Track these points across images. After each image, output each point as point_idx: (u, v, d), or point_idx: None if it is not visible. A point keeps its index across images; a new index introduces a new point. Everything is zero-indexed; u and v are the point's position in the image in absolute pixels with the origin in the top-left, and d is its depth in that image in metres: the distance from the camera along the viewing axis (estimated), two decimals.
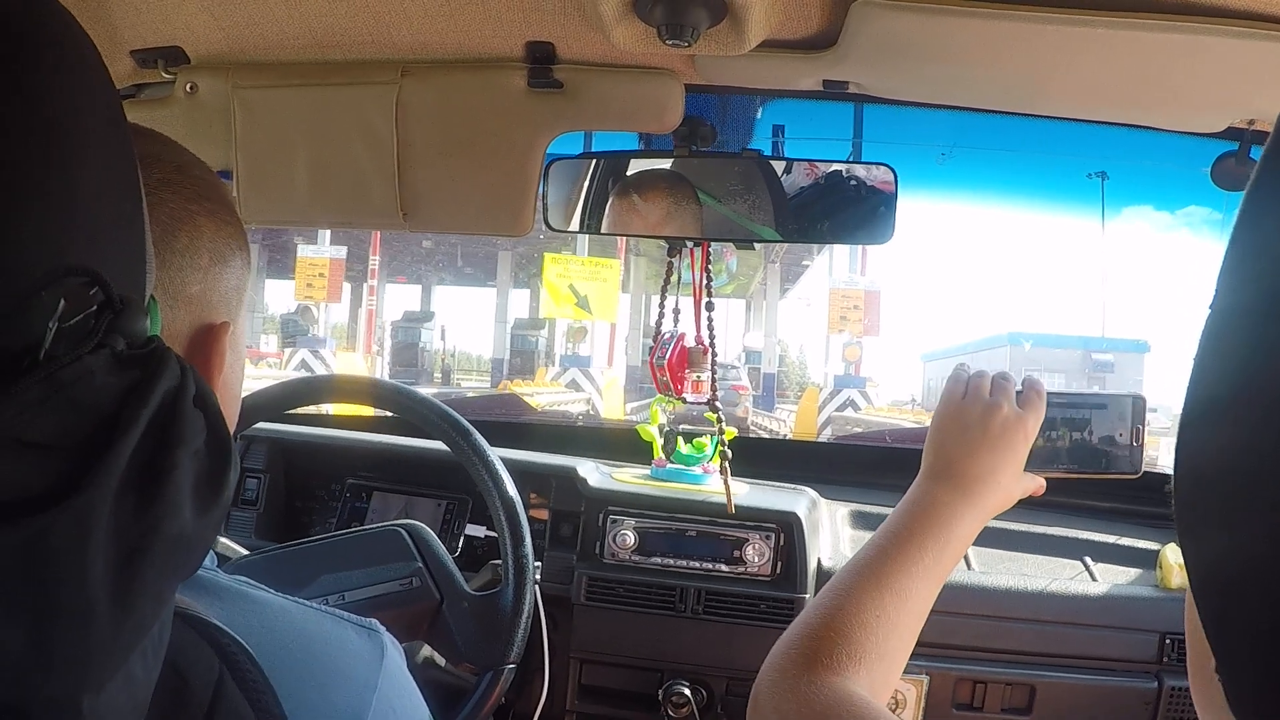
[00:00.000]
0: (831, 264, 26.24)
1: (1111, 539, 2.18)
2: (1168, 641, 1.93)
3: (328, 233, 23.23)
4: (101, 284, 0.51)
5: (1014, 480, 1.13)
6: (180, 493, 0.53)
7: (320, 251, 24.40)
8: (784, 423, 25.78)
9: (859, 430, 19.83)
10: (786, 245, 29.31)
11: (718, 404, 1.81)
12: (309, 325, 24.94)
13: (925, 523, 1.06)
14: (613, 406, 22.82)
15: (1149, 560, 2.10)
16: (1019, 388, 1.17)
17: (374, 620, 0.88)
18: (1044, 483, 1.18)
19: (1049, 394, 1.17)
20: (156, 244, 0.71)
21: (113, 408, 0.50)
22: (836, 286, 23.62)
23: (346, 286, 29.90)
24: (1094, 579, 2.04)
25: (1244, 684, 0.44)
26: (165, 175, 0.78)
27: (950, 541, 1.06)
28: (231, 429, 0.84)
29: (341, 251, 24.86)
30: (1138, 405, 1.19)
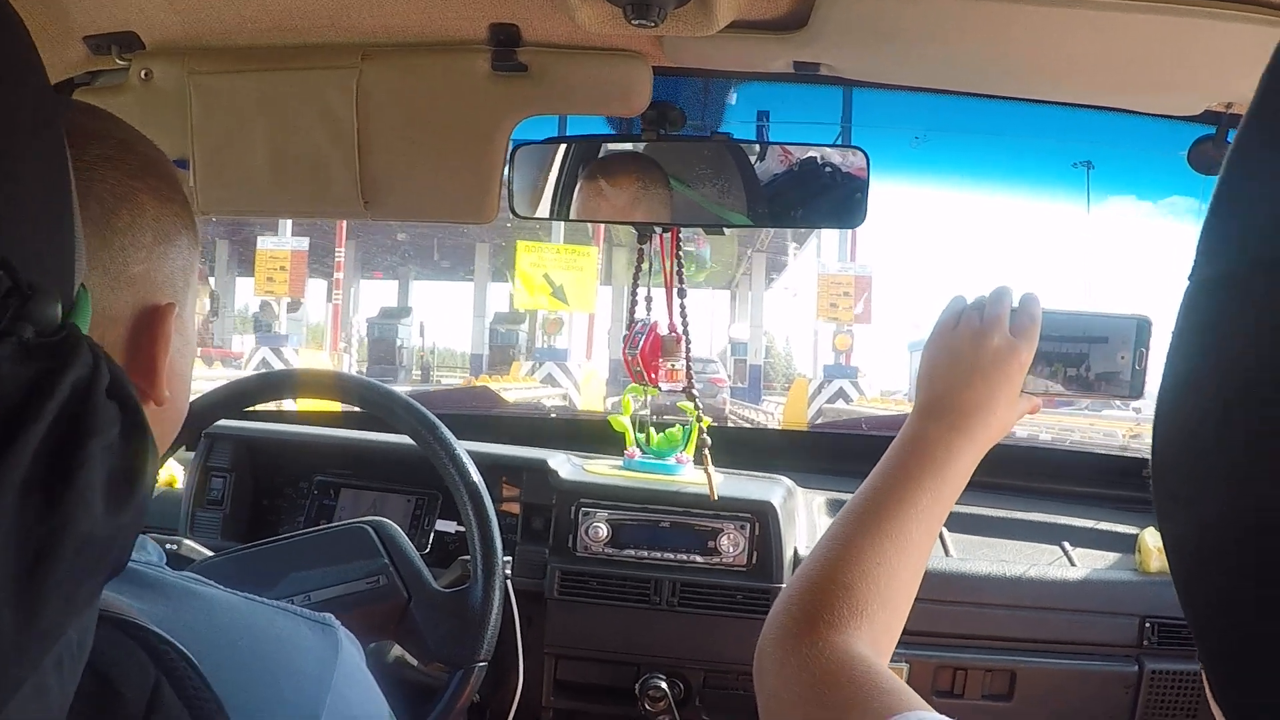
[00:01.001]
0: (820, 249, 25.98)
1: (1090, 523, 2.23)
2: (1148, 625, 1.98)
3: (289, 223, 22.97)
4: (7, 269, 0.49)
5: (1009, 408, 1.11)
6: (91, 489, 0.51)
7: (281, 243, 23.95)
8: (771, 415, 25.64)
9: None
10: (770, 234, 29.39)
11: (695, 391, 1.84)
12: (269, 322, 24.70)
13: (920, 462, 1.05)
14: (591, 401, 22.65)
15: (1128, 544, 2.15)
16: (1015, 306, 1.15)
17: (328, 615, 0.87)
18: (1040, 404, 1.17)
19: (1046, 313, 1.15)
20: (96, 222, 0.72)
21: (17, 400, 0.49)
22: (826, 272, 23.18)
23: (322, 283, 29.67)
24: (1073, 564, 2.08)
25: (1213, 653, 0.45)
26: (106, 151, 0.76)
27: (947, 479, 1.04)
28: (181, 414, 0.85)
29: (304, 243, 24.49)
30: (1143, 328, 1.17)
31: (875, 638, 0.93)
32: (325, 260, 29.48)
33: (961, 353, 1.11)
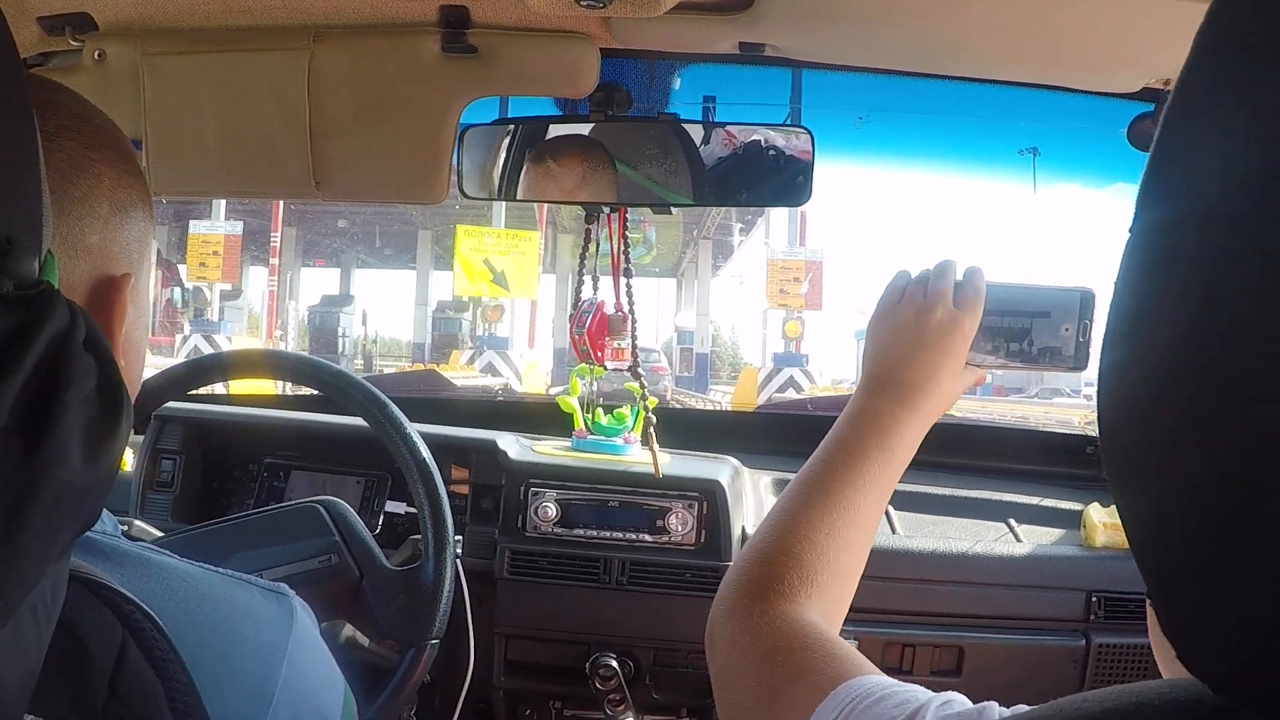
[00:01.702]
0: (769, 233, 25.70)
1: (1034, 500, 2.30)
2: (1094, 600, 2.04)
3: (222, 206, 22.56)
4: None
5: (954, 380, 1.14)
6: (69, 438, 0.53)
7: (214, 227, 23.49)
8: (719, 405, 25.62)
9: None
10: (716, 220, 29.38)
11: (639, 370, 1.88)
12: (202, 308, 24.30)
13: (868, 434, 1.07)
14: (534, 390, 22.45)
15: (1073, 520, 2.21)
16: (959, 279, 1.18)
17: (283, 585, 0.89)
18: (985, 375, 1.20)
19: (991, 286, 1.18)
20: (54, 191, 0.72)
21: None
22: (774, 257, 22.86)
23: (264, 270, 29.21)
24: (1018, 540, 2.15)
25: (1172, 625, 0.47)
26: (64, 122, 0.78)
27: (894, 450, 1.07)
28: (135, 387, 0.87)
29: (237, 227, 23.99)
30: (1086, 300, 1.20)
31: (825, 607, 0.97)
32: (266, 246, 29.03)
33: (906, 326, 1.14)
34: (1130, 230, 0.47)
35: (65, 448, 0.52)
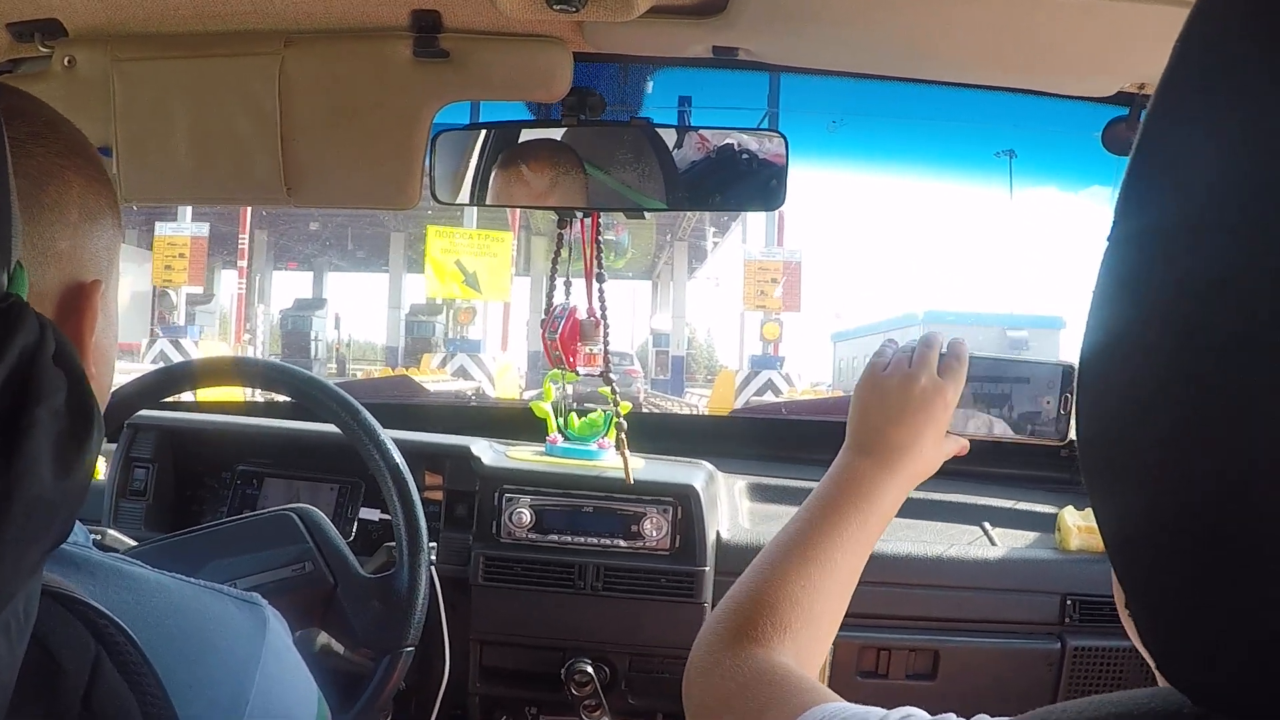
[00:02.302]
0: (745, 234, 25.62)
1: (1009, 504, 2.32)
2: (1069, 602, 2.06)
3: (189, 209, 22.40)
4: None
5: (935, 446, 1.17)
6: (40, 452, 0.53)
7: (180, 229, 23.26)
8: (695, 409, 25.55)
9: None
10: (691, 223, 29.40)
11: (611, 376, 1.90)
12: (168, 312, 24.14)
13: (848, 494, 1.11)
14: (507, 394, 22.33)
15: (1047, 524, 2.24)
16: (944, 350, 1.21)
17: (255, 594, 0.89)
18: (967, 444, 1.22)
19: (974, 358, 1.22)
20: (24, 198, 0.73)
21: None
22: (752, 258, 22.72)
23: (233, 274, 29.07)
24: (993, 543, 2.17)
25: (1152, 634, 0.48)
26: (34, 129, 0.78)
27: (873, 512, 1.10)
28: (106, 394, 0.88)
29: (203, 229, 23.79)
30: (1066, 374, 1.23)
31: (799, 651, 0.99)
32: (235, 249, 28.91)
33: (890, 392, 1.17)
34: (1109, 238, 0.47)
35: (35, 462, 0.53)
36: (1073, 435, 1.23)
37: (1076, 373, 0.50)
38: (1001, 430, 1.24)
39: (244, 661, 0.82)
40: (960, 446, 1.22)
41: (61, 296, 0.79)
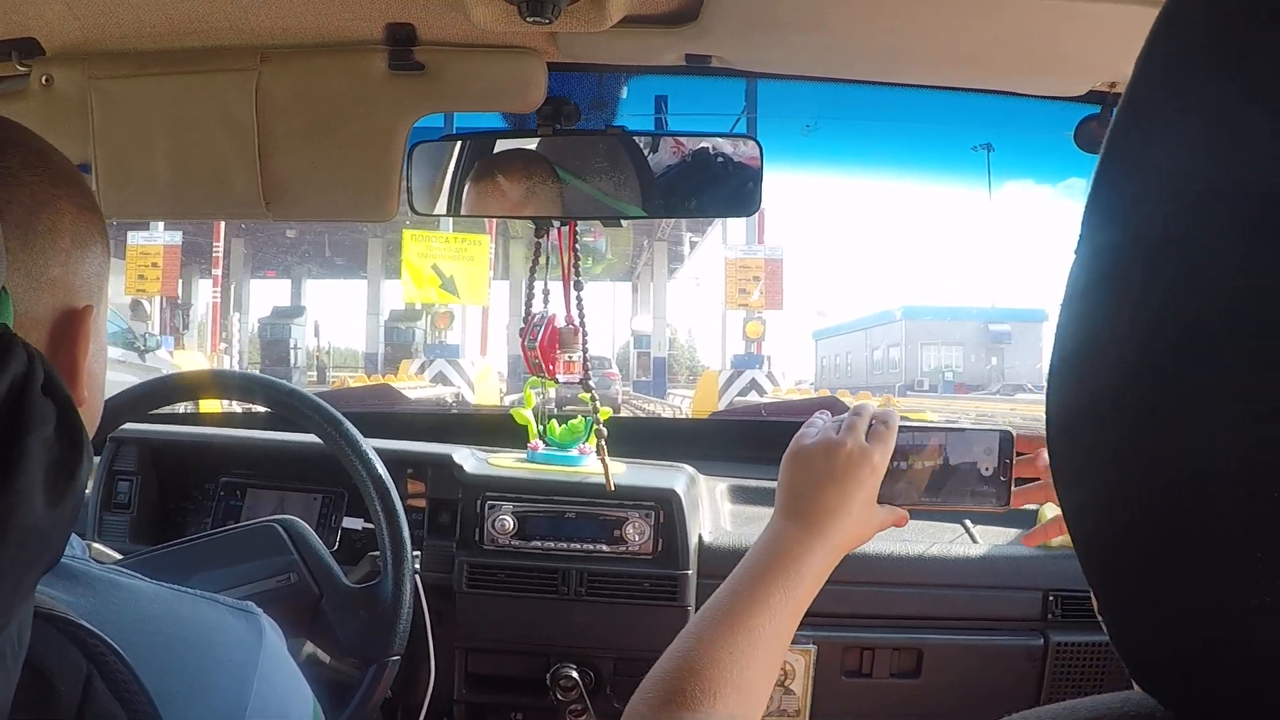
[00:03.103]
0: (726, 234, 25.49)
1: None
2: (1051, 598, 2.08)
3: None
4: None
5: (866, 511, 1.17)
6: (31, 481, 0.54)
7: (153, 238, 23.08)
8: (678, 409, 25.45)
9: None
10: (670, 223, 29.32)
11: (590, 383, 1.92)
12: (143, 321, 23.95)
13: (774, 561, 1.12)
14: (487, 400, 22.20)
15: (1028, 520, 2.23)
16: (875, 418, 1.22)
17: (250, 603, 0.91)
18: (906, 514, 1.23)
19: (911, 428, 1.22)
20: (16, 225, 0.76)
21: None
22: (733, 257, 22.61)
23: (207, 284, 28.85)
24: (974, 541, 2.19)
25: (1116, 634, 0.49)
26: (26, 159, 0.80)
27: (801, 577, 1.11)
28: (96, 418, 0.90)
29: (176, 237, 23.62)
30: (1005, 440, 1.22)
31: (730, 717, 1.01)
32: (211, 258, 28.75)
33: (816, 459, 1.19)
34: (1076, 251, 0.48)
35: (28, 491, 0.54)
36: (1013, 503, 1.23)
37: (1046, 376, 0.50)
38: (942, 500, 1.23)
39: (242, 669, 0.83)
40: (898, 517, 1.23)
41: (54, 323, 0.81)
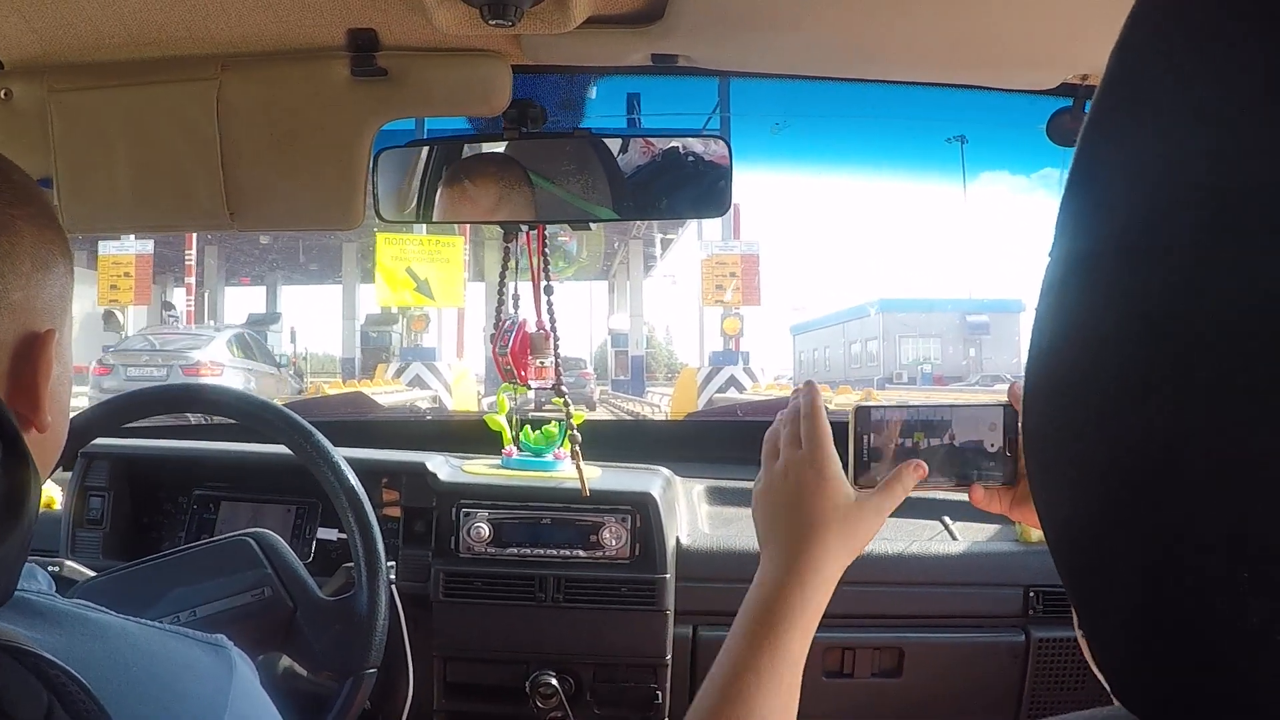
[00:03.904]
0: (701, 230, 25.45)
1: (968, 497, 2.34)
2: (1032, 594, 2.09)
3: None
4: None
5: (842, 516, 1.13)
6: None
7: (124, 248, 22.98)
8: (657, 408, 25.44)
9: None
10: (644, 222, 29.34)
11: (563, 388, 1.92)
12: (116, 332, 23.86)
13: (758, 622, 1.11)
14: (465, 403, 22.14)
15: (1006, 518, 2.25)
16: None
17: (221, 636, 0.89)
18: (901, 487, 1.17)
19: (915, 406, 1.18)
20: None
21: None
22: (709, 253, 22.48)
23: (181, 292, 28.78)
24: (954, 538, 2.19)
25: (1087, 629, 0.49)
26: None
27: (791, 626, 1.10)
28: (60, 441, 0.89)
29: (148, 246, 23.54)
30: (1010, 414, 1.17)
31: None
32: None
33: (766, 493, 1.18)
34: (1050, 254, 0.48)
35: None
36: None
37: (1024, 366, 0.50)
38: (950, 480, 1.19)
39: (211, 705, 0.82)
40: (891, 495, 1.17)
41: (15, 348, 0.80)
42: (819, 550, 1.12)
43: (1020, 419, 1.14)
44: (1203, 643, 0.41)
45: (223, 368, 20.49)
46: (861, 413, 1.21)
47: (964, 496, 1.20)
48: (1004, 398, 1.18)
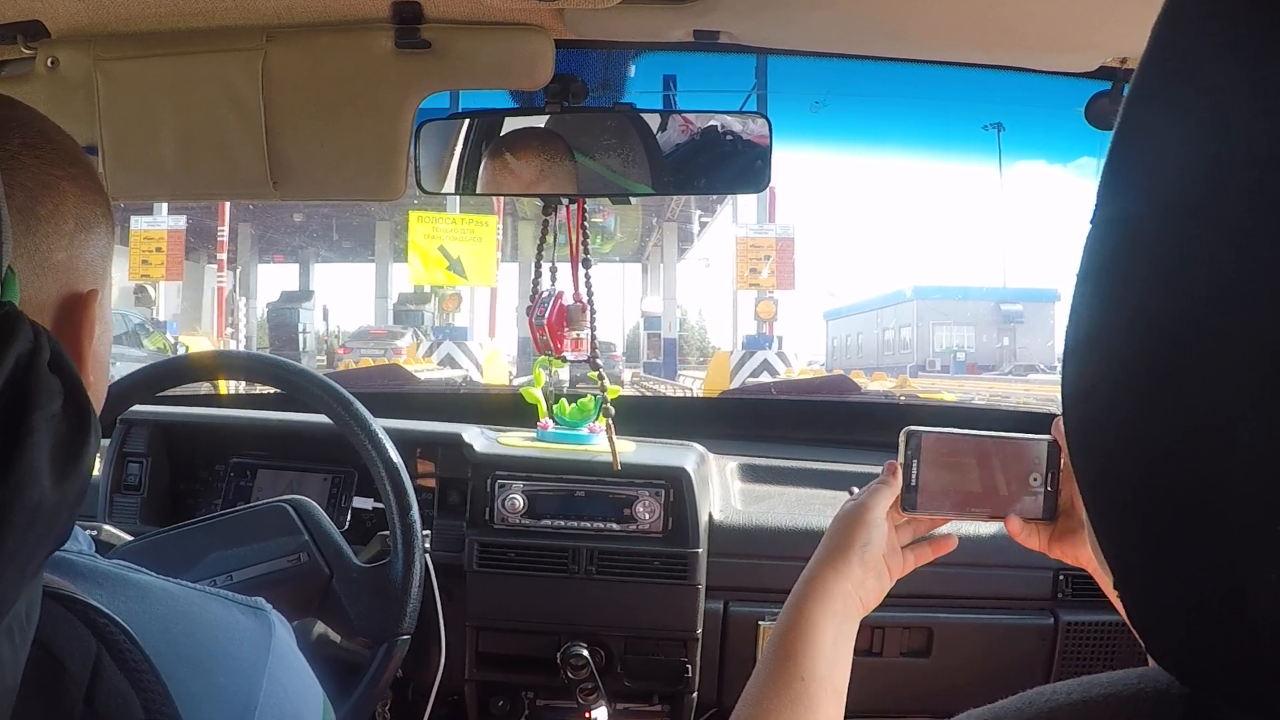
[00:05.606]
0: (736, 213, 25.26)
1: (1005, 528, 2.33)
2: (1061, 578, 2.10)
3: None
4: None
5: (863, 570, 1.21)
6: (38, 459, 0.54)
7: (156, 223, 23.03)
8: (690, 391, 25.39)
9: None
10: (679, 203, 29.27)
11: (599, 361, 1.93)
12: (148, 307, 23.96)
13: (784, 637, 1.18)
14: (496, 381, 22.07)
15: None
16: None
17: (260, 599, 0.90)
18: (929, 552, 1.28)
19: (957, 435, 1.21)
20: (19, 210, 0.75)
21: None
22: (744, 235, 22.30)
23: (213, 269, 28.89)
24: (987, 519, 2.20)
25: (1132, 612, 0.49)
26: (28, 140, 0.79)
27: (815, 644, 1.17)
28: (100, 401, 0.89)
29: (180, 222, 23.56)
30: (1052, 450, 1.18)
31: None
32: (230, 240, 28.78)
33: (833, 524, 1.25)
34: (1091, 222, 0.48)
35: (35, 469, 0.54)
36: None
37: (1060, 354, 0.51)
38: (987, 510, 1.22)
39: (251, 667, 0.83)
40: (918, 556, 1.28)
41: (59, 307, 0.81)
42: (841, 582, 1.20)
43: (1063, 455, 1.18)
44: (1239, 594, 0.42)
45: None
46: (911, 437, 1.22)
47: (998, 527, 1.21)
48: (1049, 435, 1.19)
